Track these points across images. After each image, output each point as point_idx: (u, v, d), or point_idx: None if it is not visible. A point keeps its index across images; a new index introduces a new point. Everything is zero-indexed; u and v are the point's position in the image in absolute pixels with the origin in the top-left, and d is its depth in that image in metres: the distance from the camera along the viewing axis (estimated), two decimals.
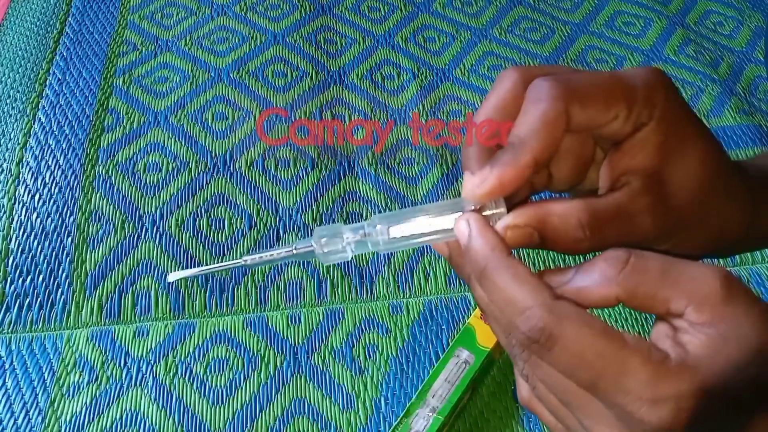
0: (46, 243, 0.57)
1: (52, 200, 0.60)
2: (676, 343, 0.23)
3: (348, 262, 0.58)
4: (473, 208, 0.26)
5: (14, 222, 0.59)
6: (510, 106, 0.27)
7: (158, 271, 0.56)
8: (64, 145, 0.65)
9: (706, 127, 0.27)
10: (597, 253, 0.25)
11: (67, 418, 0.48)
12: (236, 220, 0.60)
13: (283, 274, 0.57)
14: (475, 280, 0.25)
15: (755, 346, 0.22)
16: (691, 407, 0.21)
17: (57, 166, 0.63)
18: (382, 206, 0.62)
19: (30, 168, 0.63)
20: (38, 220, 0.59)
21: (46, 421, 0.48)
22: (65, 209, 0.60)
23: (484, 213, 0.26)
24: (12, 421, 0.48)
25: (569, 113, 0.25)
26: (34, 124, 0.67)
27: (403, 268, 0.57)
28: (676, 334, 0.23)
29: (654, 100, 0.26)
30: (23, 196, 0.61)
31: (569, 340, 0.22)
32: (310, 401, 0.50)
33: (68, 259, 0.57)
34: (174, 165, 0.64)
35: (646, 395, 0.21)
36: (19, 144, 0.65)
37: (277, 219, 0.60)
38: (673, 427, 0.21)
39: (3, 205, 0.60)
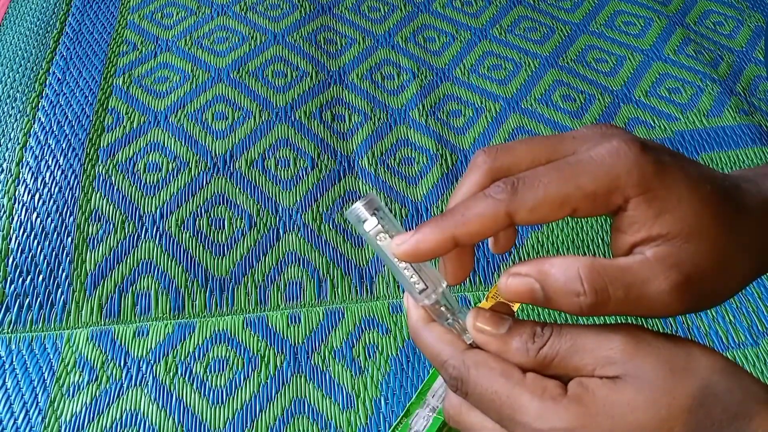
0: (46, 243, 0.58)
1: (52, 200, 0.60)
2: (578, 382, 0.25)
3: (348, 261, 0.58)
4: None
5: (14, 222, 0.59)
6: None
7: (158, 271, 0.56)
8: (64, 145, 0.65)
9: (701, 175, 0.25)
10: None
11: (67, 418, 0.48)
12: (236, 220, 0.60)
13: (283, 274, 0.57)
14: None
15: (658, 389, 0.23)
16: None
17: (57, 166, 0.63)
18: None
19: (30, 168, 0.63)
20: (38, 220, 0.59)
21: (46, 421, 0.48)
22: (65, 209, 0.60)
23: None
24: (12, 421, 0.48)
25: (512, 216, 0.24)
26: (34, 124, 0.67)
27: None
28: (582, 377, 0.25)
29: (622, 190, 0.24)
30: (23, 196, 0.61)
31: (474, 383, 0.25)
32: (310, 401, 0.50)
33: (68, 259, 0.57)
34: (174, 165, 0.64)
35: (537, 427, 0.24)
36: (19, 144, 0.65)
37: (277, 219, 0.60)
38: None
39: (3, 205, 0.60)
